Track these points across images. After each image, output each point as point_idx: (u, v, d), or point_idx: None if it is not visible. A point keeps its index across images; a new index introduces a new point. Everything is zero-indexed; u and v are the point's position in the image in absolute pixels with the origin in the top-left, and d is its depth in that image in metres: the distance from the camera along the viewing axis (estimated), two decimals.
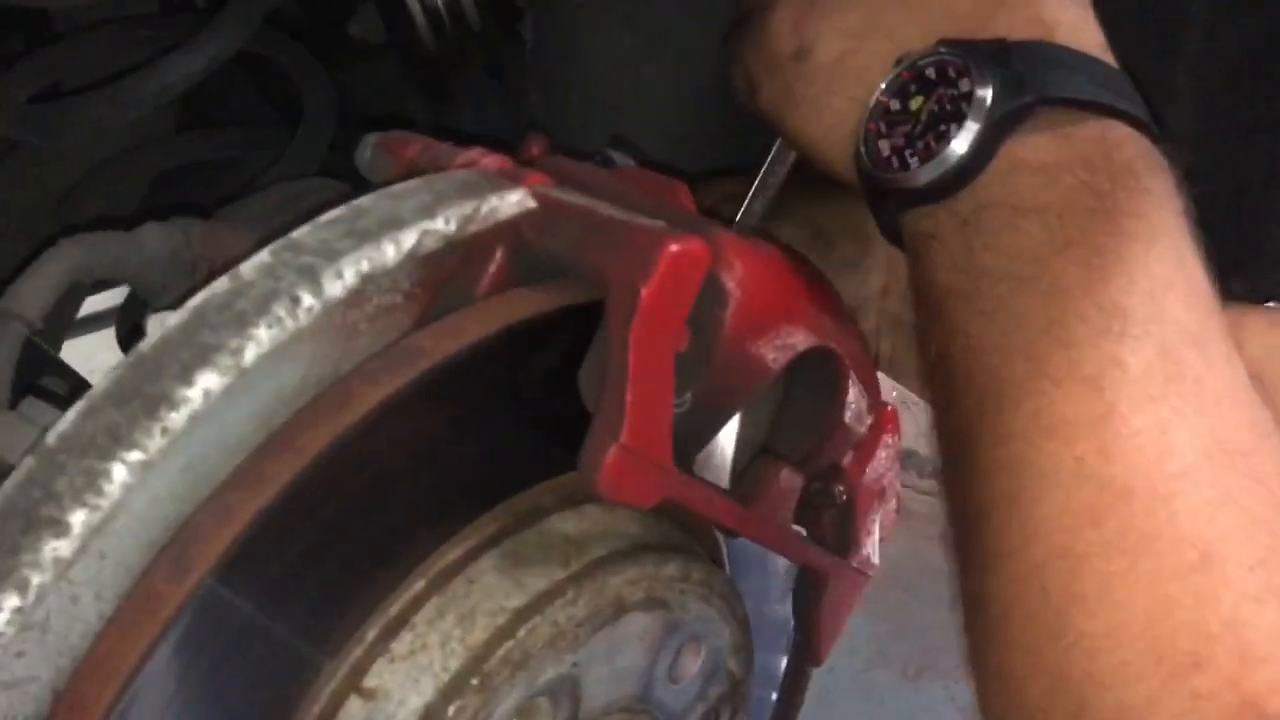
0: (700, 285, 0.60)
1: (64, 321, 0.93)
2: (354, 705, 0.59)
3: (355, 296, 0.57)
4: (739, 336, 0.64)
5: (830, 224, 1.09)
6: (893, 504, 0.84)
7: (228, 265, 0.52)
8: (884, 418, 0.79)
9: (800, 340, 0.69)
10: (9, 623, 0.47)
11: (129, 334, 1.08)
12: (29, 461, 0.49)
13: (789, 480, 0.71)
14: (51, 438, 0.49)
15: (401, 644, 0.60)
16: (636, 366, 0.58)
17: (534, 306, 0.61)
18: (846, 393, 0.73)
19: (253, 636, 0.54)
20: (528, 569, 0.63)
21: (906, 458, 2.72)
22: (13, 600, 0.47)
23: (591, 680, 0.66)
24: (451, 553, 0.62)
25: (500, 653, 0.60)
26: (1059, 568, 0.53)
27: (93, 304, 1.07)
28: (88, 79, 0.97)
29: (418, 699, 0.59)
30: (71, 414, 0.50)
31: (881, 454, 0.80)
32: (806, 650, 0.81)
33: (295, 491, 0.53)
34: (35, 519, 0.48)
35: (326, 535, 0.56)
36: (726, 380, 0.66)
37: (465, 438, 0.62)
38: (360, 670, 0.59)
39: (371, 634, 0.60)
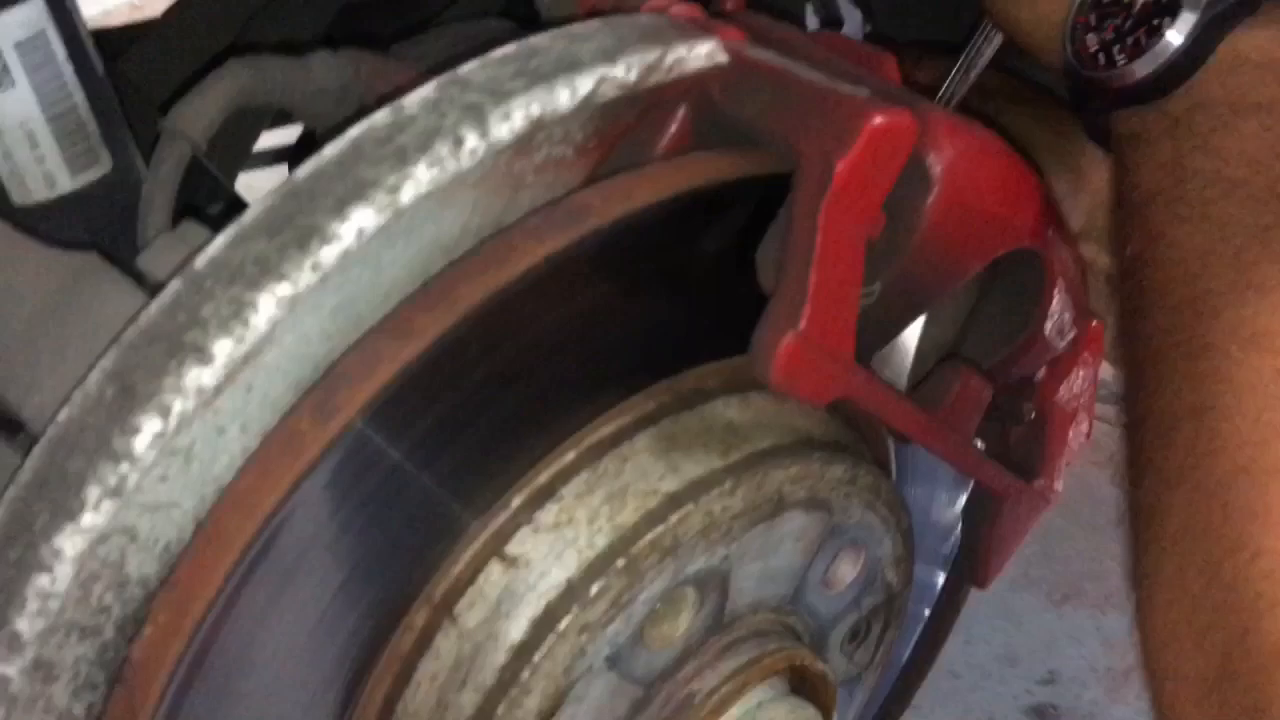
0: (903, 165, 0.55)
1: (240, 152, 0.92)
2: (495, 570, 0.57)
3: (524, 144, 0.53)
4: (940, 227, 0.58)
5: (1042, 155, 1.01)
6: (1085, 427, 0.78)
7: (390, 99, 0.49)
8: (1087, 334, 0.73)
9: (1007, 239, 0.63)
10: (150, 446, 0.45)
11: None
12: (176, 285, 0.47)
13: (976, 390, 0.65)
14: (200, 262, 0.47)
15: (547, 515, 0.57)
16: (824, 248, 0.53)
17: (715, 173, 0.57)
18: (1050, 302, 0.67)
19: (399, 486, 0.52)
20: (684, 453, 0.60)
21: None
22: (154, 425, 0.45)
23: (741, 576, 0.62)
24: (605, 427, 0.59)
25: (649, 537, 0.57)
26: (1244, 483, 0.51)
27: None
28: None
29: (560, 573, 0.56)
30: (221, 239, 0.48)
31: (1079, 373, 0.74)
32: (972, 571, 0.76)
33: (448, 346, 0.50)
34: (179, 344, 0.46)
35: (479, 393, 0.53)
36: (920, 274, 0.60)
37: (630, 308, 0.58)
38: (503, 536, 0.57)
39: (517, 501, 0.57)
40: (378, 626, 0.55)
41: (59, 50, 0.67)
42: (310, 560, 0.51)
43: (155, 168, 0.63)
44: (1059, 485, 0.76)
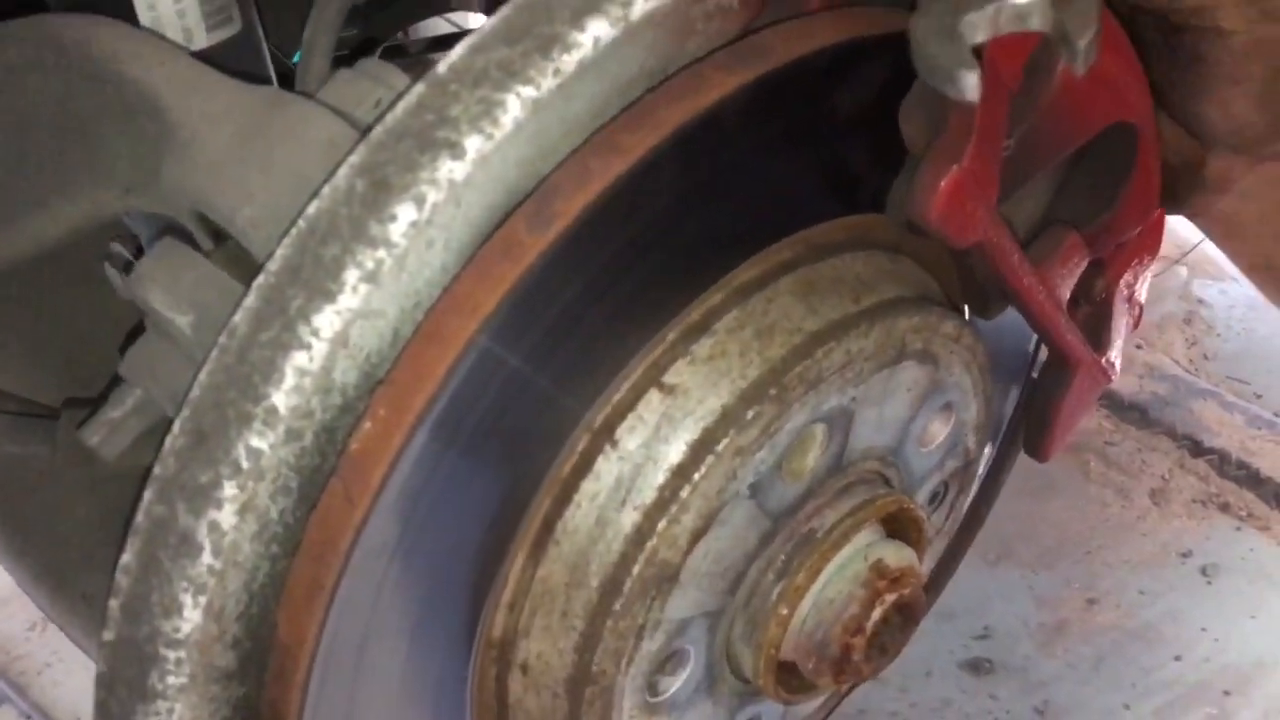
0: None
1: None
2: (654, 398, 0.60)
3: None
4: (1066, 91, 0.63)
5: None
6: (1134, 316, 0.83)
7: None
8: (1151, 226, 0.78)
9: (1117, 109, 0.67)
10: (405, 234, 0.48)
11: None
12: (419, 88, 0.49)
13: (1079, 250, 0.70)
14: (442, 68, 0.49)
15: (702, 347, 0.60)
16: (987, 92, 0.56)
17: (877, 25, 0.60)
18: (1139, 172, 0.71)
19: (594, 297, 0.55)
20: (822, 298, 0.63)
21: None
22: (410, 213, 0.48)
23: (862, 419, 0.66)
24: (751, 270, 0.62)
25: (797, 369, 0.61)
26: None
27: None
28: None
29: (716, 400, 0.60)
30: (461, 48, 0.50)
31: (1143, 259, 0.79)
32: (1035, 443, 0.81)
33: (650, 163, 0.53)
34: (431, 140, 0.48)
35: (665, 217, 0.56)
36: (1044, 134, 0.65)
37: (785, 155, 0.61)
38: (661, 367, 0.60)
39: (673, 335, 0.60)
40: (544, 443, 0.58)
41: None
42: (511, 368, 0.54)
43: (317, 14, 0.65)
44: (1118, 364, 0.81)
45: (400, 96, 0.49)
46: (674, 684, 0.66)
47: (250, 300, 0.48)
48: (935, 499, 0.77)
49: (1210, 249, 3.05)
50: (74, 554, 0.73)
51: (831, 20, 0.60)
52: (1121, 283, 0.79)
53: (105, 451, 0.56)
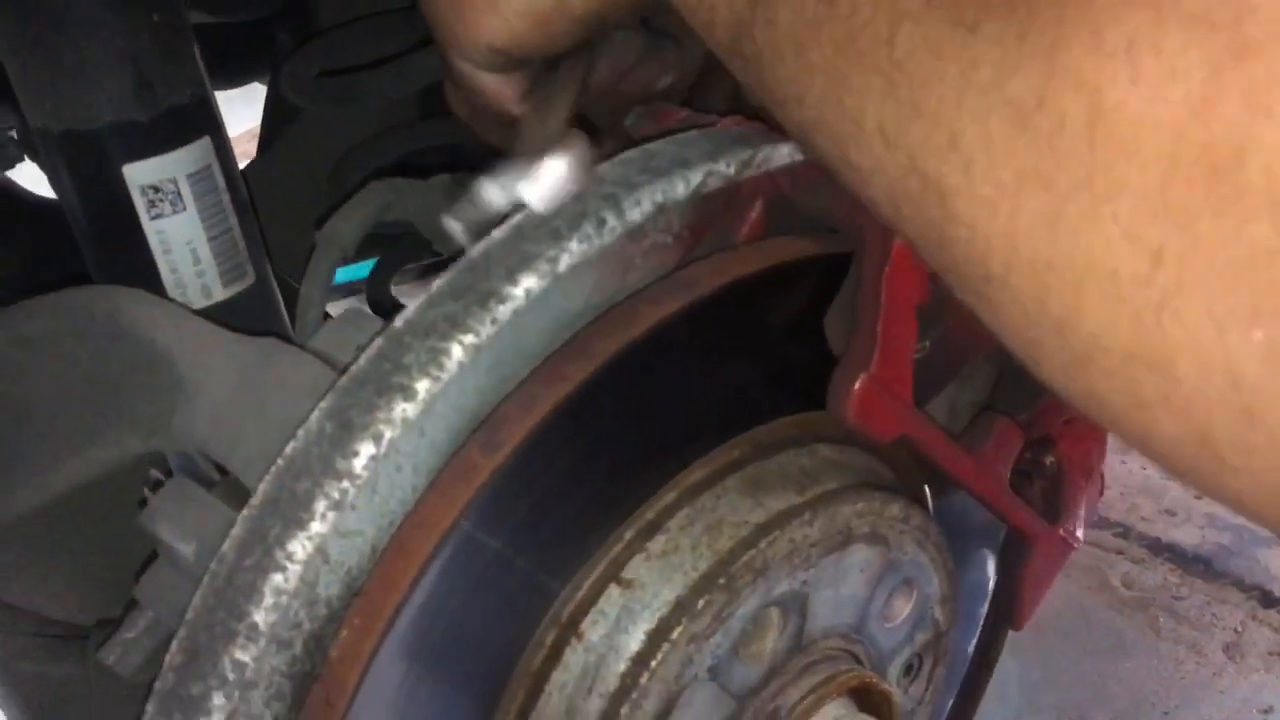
0: None
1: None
2: (614, 592, 0.66)
3: (636, 231, 0.65)
4: None
5: None
6: (1098, 487, 0.88)
7: None
8: None
9: None
10: (365, 466, 0.55)
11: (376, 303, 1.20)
12: (379, 342, 0.58)
13: (1011, 434, 0.76)
14: (399, 323, 0.58)
15: (656, 544, 0.67)
16: (887, 307, 0.64)
17: (795, 252, 0.68)
18: None
19: (545, 511, 0.62)
20: (767, 492, 0.70)
21: None
22: (370, 448, 0.56)
23: (818, 601, 0.72)
24: (700, 471, 0.69)
25: (744, 559, 0.67)
26: None
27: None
28: (356, 62, 1.08)
29: (670, 592, 0.66)
30: (413, 306, 0.59)
31: (1092, 432, 0.85)
32: (1007, 614, 0.85)
33: (588, 390, 0.61)
34: (388, 385, 0.56)
35: (609, 432, 0.64)
36: (958, 338, 0.72)
37: (722, 367, 0.69)
38: (620, 564, 0.66)
39: (629, 533, 0.67)
40: (513, 643, 0.65)
41: (220, 181, 0.78)
42: (473, 575, 0.61)
43: (313, 269, 0.75)
44: (1080, 533, 0.86)
45: (365, 347, 0.58)
46: None
47: (237, 530, 0.56)
48: (910, 671, 0.82)
49: None
50: None
51: (757, 250, 0.68)
52: (1076, 451, 0.85)
53: (121, 669, 0.63)
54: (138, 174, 0.74)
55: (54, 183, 0.77)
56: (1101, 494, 0.89)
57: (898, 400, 0.66)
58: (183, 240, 0.76)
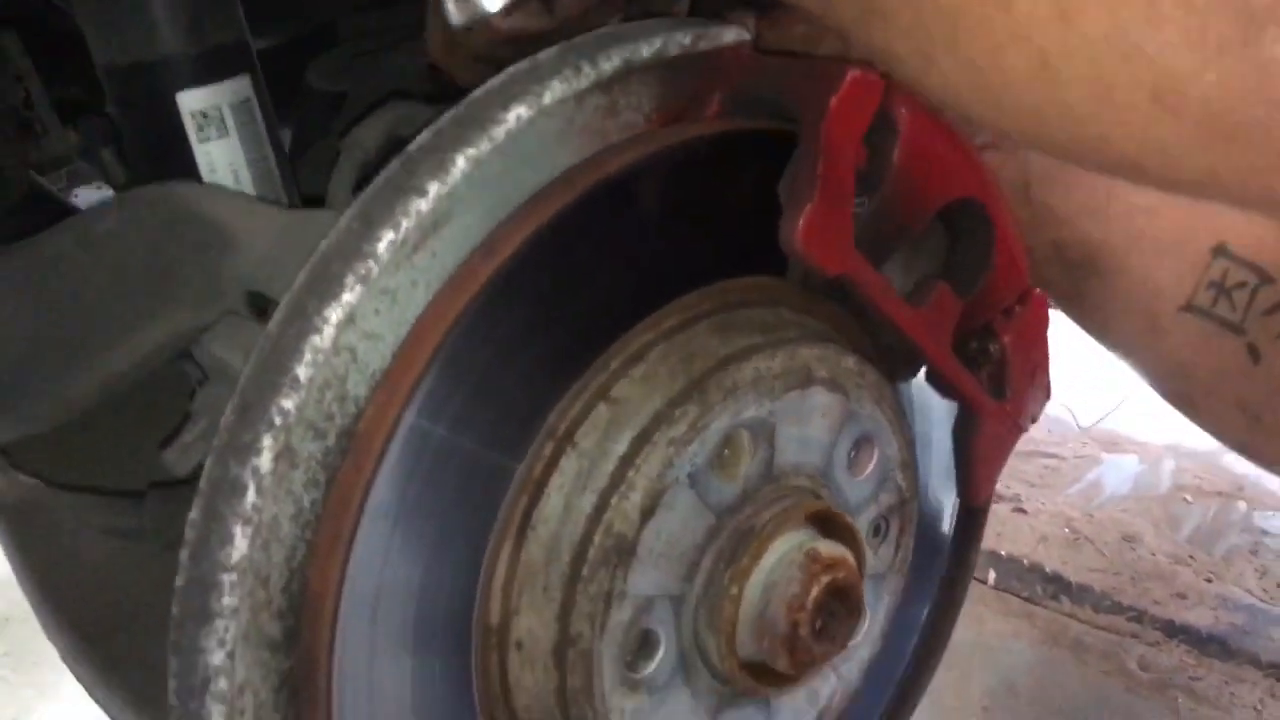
0: (876, 108, 0.79)
1: None
2: (602, 409, 0.76)
3: (611, 106, 0.77)
4: (905, 167, 0.82)
5: None
6: (1043, 389, 0.98)
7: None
8: (1034, 301, 0.95)
9: (956, 186, 0.86)
10: (386, 249, 0.67)
11: None
12: (394, 163, 0.70)
13: (950, 299, 0.87)
14: (412, 148, 0.70)
15: (638, 370, 0.78)
16: (825, 151, 0.76)
17: (746, 124, 0.81)
18: (998, 243, 0.89)
19: (548, 314, 0.73)
20: (735, 333, 0.81)
21: (1081, 591, 2.75)
22: (390, 235, 0.67)
23: (784, 435, 0.82)
24: (674, 317, 0.80)
25: (714, 379, 0.77)
26: None
27: None
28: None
29: (651, 406, 0.76)
30: (424, 136, 0.71)
31: (1035, 329, 0.95)
32: (963, 491, 0.95)
33: (578, 211, 0.72)
34: (404, 188, 0.68)
35: (591, 260, 0.75)
36: (896, 205, 0.83)
37: (692, 219, 0.80)
38: (607, 386, 0.77)
39: (615, 363, 0.78)
40: (515, 446, 0.75)
41: (258, 114, 0.92)
42: (475, 368, 0.71)
43: (338, 172, 0.87)
44: (1025, 421, 0.96)
45: (388, 171, 0.70)
46: (650, 665, 0.78)
47: (280, 312, 0.67)
48: (879, 532, 0.91)
49: (1267, 481, 3.10)
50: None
51: (718, 122, 0.81)
52: (1018, 343, 0.95)
53: (179, 469, 0.73)
54: (189, 101, 0.87)
55: (118, 114, 0.91)
56: (1048, 398, 0.99)
57: (840, 239, 0.77)
58: (225, 162, 0.89)
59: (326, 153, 0.93)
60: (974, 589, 2.62)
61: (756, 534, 0.79)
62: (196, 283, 0.80)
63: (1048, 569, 2.64)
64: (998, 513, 2.80)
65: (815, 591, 0.79)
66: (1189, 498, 3.03)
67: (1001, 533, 2.77)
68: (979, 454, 0.93)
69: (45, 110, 1.04)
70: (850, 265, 0.79)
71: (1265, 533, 2.90)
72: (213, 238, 0.79)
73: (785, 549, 0.80)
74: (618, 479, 0.75)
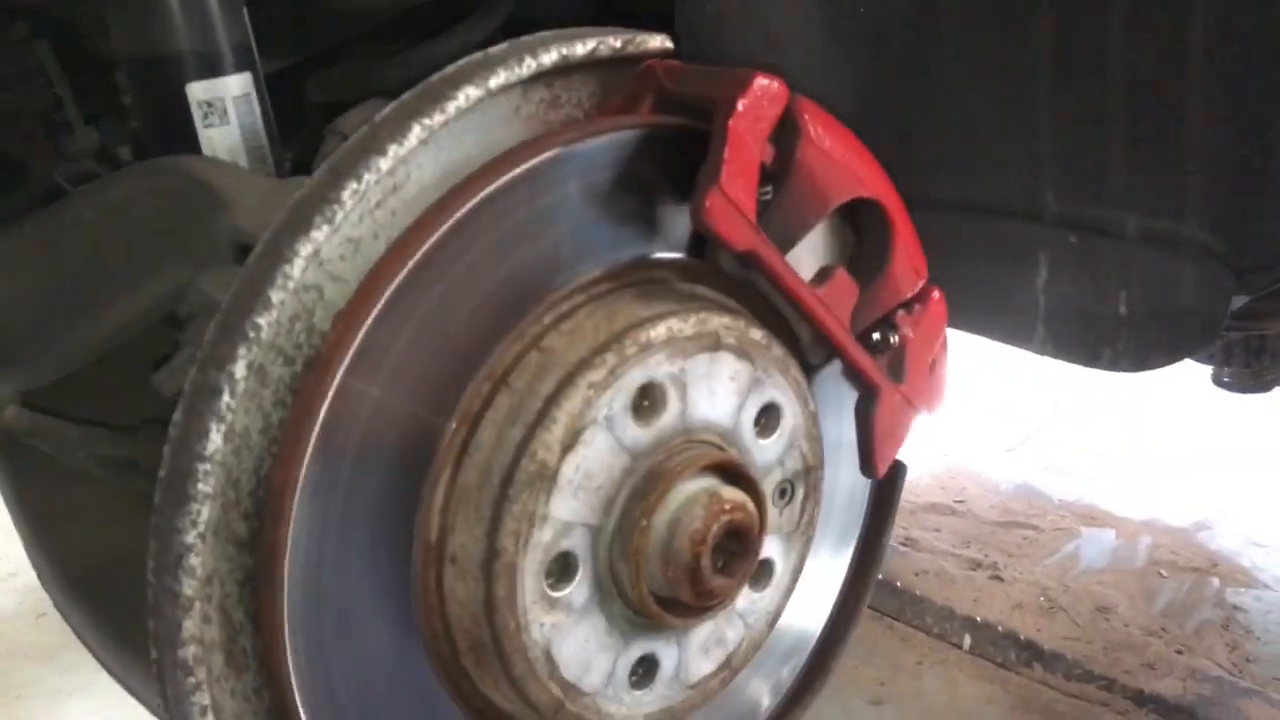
0: (780, 110, 0.92)
1: None
2: (534, 356, 0.89)
3: (554, 100, 0.91)
4: (808, 165, 0.95)
5: None
6: (941, 385, 1.10)
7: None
8: (932, 301, 1.07)
9: (856, 186, 0.99)
10: (349, 197, 0.79)
11: None
12: (364, 129, 0.83)
13: (846, 283, 0.99)
14: (377, 118, 0.83)
15: (567, 324, 0.90)
16: (731, 141, 0.89)
17: (669, 121, 0.94)
18: (895, 241, 1.02)
19: (488, 267, 0.85)
20: (655, 300, 0.93)
21: (1053, 659, 2.83)
22: (352, 185, 0.80)
23: (695, 391, 0.93)
24: (604, 284, 0.93)
25: (631, 334, 0.89)
26: None
27: None
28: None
29: (575, 355, 0.89)
30: (388, 109, 0.84)
31: (933, 325, 1.07)
32: (864, 464, 1.06)
33: (520, 182, 0.85)
34: (367, 149, 0.81)
35: (530, 226, 0.88)
36: (800, 200, 0.96)
37: (624, 200, 0.93)
38: (538, 337, 0.89)
39: (548, 318, 0.90)
40: (457, 388, 0.87)
41: (256, 108, 1.06)
42: (424, 309, 0.84)
43: (322, 150, 1.01)
44: (922, 405, 1.07)
45: (356, 134, 0.83)
46: (568, 586, 0.89)
47: (259, 247, 0.80)
48: (785, 495, 1.02)
49: (1241, 558, 3.19)
50: None
51: (642, 117, 0.94)
52: (918, 335, 1.07)
53: (167, 390, 0.86)
54: (197, 91, 1.02)
55: (135, 101, 1.05)
56: (948, 392, 1.11)
57: (745, 219, 0.90)
58: (225, 146, 1.03)
59: (312, 139, 1.06)
60: (949, 654, 2.70)
61: (666, 475, 0.91)
62: (197, 240, 0.93)
63: (1022, 636, 2.69)
64: (974, 580, 2.87)
65: (715, 528, 0.90)
66: (1164, 572, 3.10)
67: (978, 599, 2.84)
68: (877, 429, 1.04)
69: (72, 112, 1.18)
70: (754, 244, 0.92)
71: (1237, 608, 2.97)
72: (212, 200, 0.92)
73: (692, 490, 0.92)
74: (543, 414, 0.87)
